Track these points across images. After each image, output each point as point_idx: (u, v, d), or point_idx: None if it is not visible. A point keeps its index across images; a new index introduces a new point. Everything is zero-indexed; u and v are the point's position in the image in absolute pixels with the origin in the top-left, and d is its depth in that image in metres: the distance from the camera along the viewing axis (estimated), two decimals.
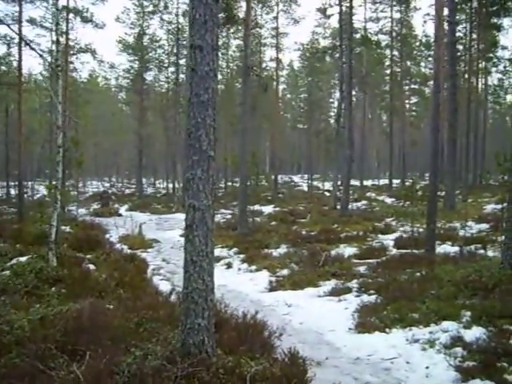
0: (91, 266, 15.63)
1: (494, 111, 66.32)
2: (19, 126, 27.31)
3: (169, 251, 20.29)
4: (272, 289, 12.94)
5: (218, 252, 18.83)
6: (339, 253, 16.65)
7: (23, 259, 15.34)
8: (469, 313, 8.77)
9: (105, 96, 59.87)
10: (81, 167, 20.86)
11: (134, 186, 50.12)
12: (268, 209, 31.73)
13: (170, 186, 40.77)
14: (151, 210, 33.81)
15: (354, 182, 44.09)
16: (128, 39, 46.06)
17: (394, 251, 17.06)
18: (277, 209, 31.32)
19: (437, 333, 8.18)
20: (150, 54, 46.37)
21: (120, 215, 31.58)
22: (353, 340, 8.53)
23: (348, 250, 17.38)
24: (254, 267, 15.49)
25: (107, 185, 61.56)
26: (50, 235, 14.47)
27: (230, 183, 46.05)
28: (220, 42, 46.03)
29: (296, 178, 58.35)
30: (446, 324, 8.44)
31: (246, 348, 7.23)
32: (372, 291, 11.32)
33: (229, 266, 16.54)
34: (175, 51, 43.74)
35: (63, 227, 21.46)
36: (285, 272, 14.37)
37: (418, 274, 12.14)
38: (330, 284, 12.65)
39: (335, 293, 11.73)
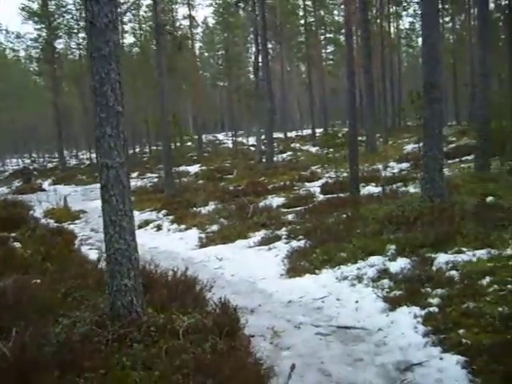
0: (16, 244, 15.17)
1: (407, 54, 67.51)
2: None
3: (96, 220, 19.78)
4: (203, 245, 12.89)
5: (146, 216, 18.67)
6: (267, 204, 16.73)
7: None
8: (393, 246, 8.97)
9: (15, 69, 57.33)
10: None
11: (56, 160, 48.60)
12: (194, 168, 31.51)
13: (94, 156, 39.74)
14: (76, 182, 32.96)
15: (278, 135, 44.29)
16: (32, 6, 44.00)
17: (321, 197, 17.29)
18: (203, 168, 31.13)
19: (364, 268, 8.33)
20: (58, 21, 44.56)
21: (44, 190, 30.56)
22: (284, 285, 8.59)
23: (276, 201, 17.48)
24: (183, 226, 15.37)
25: (28, 161, 59.52)
26: None
27: (154, 147, 45.26)
28: (129, 2, 44.74)
29: (221, 136, 58.01)
30: (372, 259, 8.60)
31: (177, 304, 7.15)
32: (301, 237, 11.42)
33: (158, 228, 16.36)
34: (84, 16, 41.98)
35: None
36: (214, 228, 14.33)
37: (344, 215, 12.33)
38: (260, 234, 12.70)
39: (265, 242, 11.79)
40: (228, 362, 5.08)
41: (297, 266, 9.34)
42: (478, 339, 5.33)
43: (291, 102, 65.67)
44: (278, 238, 11.85)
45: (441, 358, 5.20)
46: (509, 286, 6.42)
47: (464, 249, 8.20)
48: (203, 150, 41.39)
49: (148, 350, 5.59)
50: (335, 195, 16.45)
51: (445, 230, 8.98)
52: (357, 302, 7.17)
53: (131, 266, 6.22)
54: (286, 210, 16.07)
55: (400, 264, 8.00)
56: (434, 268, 7.63)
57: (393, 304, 6.72)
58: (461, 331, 5.57)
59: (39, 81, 54.22)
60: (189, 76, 43.12)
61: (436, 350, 5.39)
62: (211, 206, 18.02)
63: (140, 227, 16.95)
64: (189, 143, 47.79)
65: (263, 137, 30.67)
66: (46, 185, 33.94)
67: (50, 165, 48.84)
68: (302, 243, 10.83)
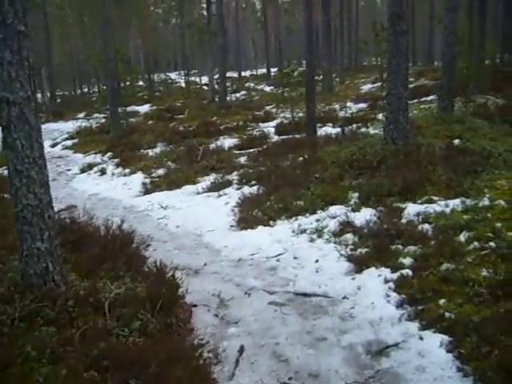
0: None
1: None
2: None
3: None
4: (147, 191, 11.66)
5: (90, 159, 17.31)
6: (219, 145, 15.52)
7: None
8: (356, 194, 7.97)
9: None
10: None
11: None
12: (144, 108, 29.76)
13: (39, 95, 37.44)
14: None
15: (232, 74, 42.59)
16: None
17: (276, 138, 16.19)
18: (154, 107, 29.46)
19: (324, 220, 7.29)
20: None
21: None
22: (234, 239, 7.50)
23: (228, 142, 16.29)
24: (128, 170, 14.05)
25: None
26: None
27: (105, 87, 42.87)
28: None
29: (173, 75, 55.69)
30: (333, 209, 7.57)
31: (108, 266, 6.03)
32: (254, 182, 10.34)
33: (102, 172, 15.00)
34: None
35: None
36: (161, 172, 13.09)
37: (301, 158, 11.27)
38: (209, 179, 11.54)
39: (214, 188, 10.64)
40: (160, 350, 3.99)
41: (249, 216, 8.25)
42: (463, 312, 4.39)
43: (246, 40, 63.57)
44: (229, 184, 10.71)
45: (420, 338, 4.25)
46: (491, 244, 5.47)
47: (435, 198, 7.25)
48: (154, 90, 39.35)
49: (62, 332, 4.45)
50: (291, 136, 15.37)
51: (412, 176, 7.99)
52: (317, 261, 6.14)
53: (44, 226, 5.01)
54: (238, 151, 14.93)
55: (365, 215, 6.99)
56: (403, 221, 6.64)
57: (359, 264, 5.73)
58: (441, 301, 4.63)
59: None
60: (139, 11, 40.71)
61: (413, 325, 4.43)
62: (159, 148, 16.70)
63: (83, 171, 15.66)
64: (140, 82, 45.74)
65: (216, 76, 29.09)
66: None
67: None
68: (254, 189, 9.74)
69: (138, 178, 12.97)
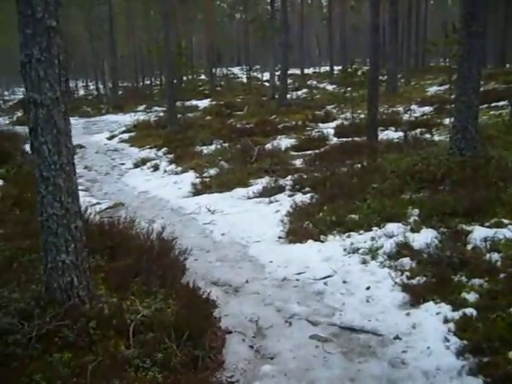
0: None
1: None
2: None
3: (93, 157, 18.29)
4: (197, 192, 11.23)
5: (145, 153, 17.10)
6: (275, 145, 14.99)
7: None
8: (417, 211, 7.27)
9: None
10: None
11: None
12: (204, 103, 29.56)
13: (101, 86, 37.80)
14: (80, 114, 31.07)
15: (295, 71, 42.00)
16: None
17: (335, 140, 15.56)
18: (213, 103, 29.19)
19: (380, 239, 6.65)
20: None
21: None
22: (281, 253, 6.95)
23: (285, 142, 15.75)
24: (180, 168, 13.70)
25: None
26: None
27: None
28: None
29: (236, 70, 55.60)
30: (390, 227, 6.90)
31: (141, 279, 5.59)
32: (307, 189, 9.75)
33: (155, 168, 14.72)
34: None
35: None
36: (213, 172, 12.66)
37: (359, 165, 10.61)
38: (262, 182, 11.02)
39: (266, 193, 10.10)
40: None
41: (298, 227, 7.67)
42: None
43: (310, 37, 62.74)
44: (282, 189, 10.15)
45: None
46: None
47: (506, 221, 6.47)
48: (216, 84, 39.25)
49: (78, 358, 4.01)
50: (350, 139, 14.67)
51: (481, 194, 7.23)
52: (368, 288, 5.52)
53: (71, 238, 4.60)
54: (295, 153, 14.39)
55: (425, 237, 6.30)
56: (468, 247, 5.93)
57: (415, 296, 5.08)
58: (511, 354, 3.93)
59: None
60: (204, 5, 40.53)
61: (477, 382, 3.75)
62: (214, 146, 16.28)
63: (136, 166, 15.44)
64: (202, 76, 45.73)
65: (278, 72, 28.58)
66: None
67: None
68: (307, 197, 9.16)
69: (189, 177, 12.58)
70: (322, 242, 7.05)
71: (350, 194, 8.53)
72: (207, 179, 11.97)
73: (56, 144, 4.41)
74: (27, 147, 18.80)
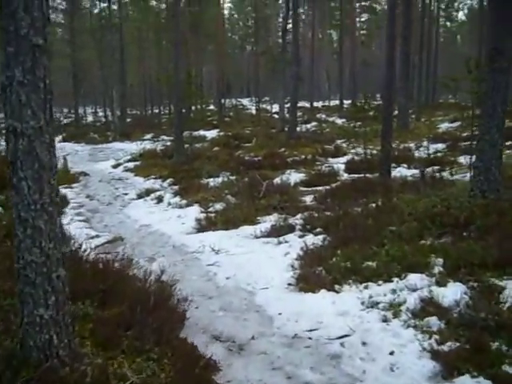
0: None
1: (445, 29, 63.76)
2: None
3: (96, 185, 17.70)
4: (201, 228, 10.57)
5: (150, 184, 16.51)
6: (284, 180, 14.36)
7: None
8: (440, 260, 6.58)
9: None
10: None
11: (74, 116, 46.22)
12: (212, 134, 29.07)
13: (109, 113, 37.38)
14: (87, 140, 30.64)
15: (304, 104, 41.56)
16: None
17: (346, 176, 14.97)
18: (221, 133, 28.71)
19: (402, 292, 5.94)
20: None
21: None
22: (291, 303, 6.25)
23: (294, 177, 15.17)
24: (184, 202, 13.06)
25: None
26: None
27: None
28: None
29: (245, 102, 55.32)
30: (412, 278, 6.19)
31: (134, 333, 4.91)
32: (319, 229, 9.07)
33: (159, 199, 14.10)
34: None
35: None
36: (219, 206, 12.00)
37: (374, 204, 9.96)
38: (270, 220, 10.37)
39: (275, 232, 9.43)
40: None
41: (310, 274, 6.98)
42: None
43: (320, 70, 62.61)
44: (292, 229, 9.47)
45: None
46: None
47: None
48: (224, 115, 38.86)
49: None
50: (362, 175, 14.07)
51: (511, 243, 6.55)
52: (392, 353, 4.79)
53: (51, 289, 3.94)
54: (305, 188, 13.82)
55: (453, 292, 5.59)
56: (504, 306, 5.23)
57: (448, 367, 4.36)
58: None
59: (58, 32, 51.54)
60: (215, 36, 40.37)
61: None
62: (221, 178, 15.67)
63: (140, 197, 14.82)
64: (211, 107, 45.42)
65: (288, 105, 28.14)
66: (55, 142, 31.65)
67: (65, 121, 46.58)
68: (319, 239, 8.48)
69: (194, 211, 11.93)
70: (337, 292, 6.35)
71: (366, 237, 7.86)
72: (212, 214, 11.32)
73: (37, 180, 3.77)
74: None
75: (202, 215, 11.32)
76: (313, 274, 6.92)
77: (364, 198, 10.97)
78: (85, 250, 7.86)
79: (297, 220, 9.95)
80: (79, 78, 37.95)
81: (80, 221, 12.51)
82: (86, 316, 5.21)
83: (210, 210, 11.94)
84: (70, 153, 26.47)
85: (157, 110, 45.51)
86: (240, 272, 7.62)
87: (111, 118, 34.53)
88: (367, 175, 13.89)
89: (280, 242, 8.84)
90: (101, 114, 47.07)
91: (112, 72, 32.21)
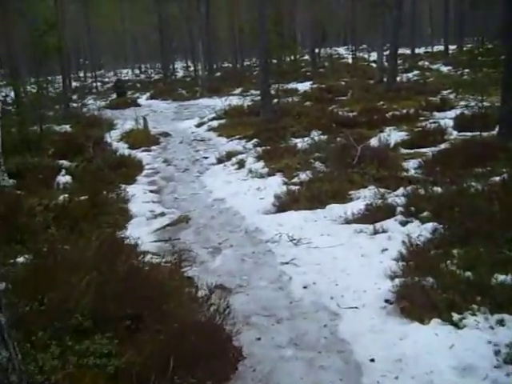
0: (66, 179, 12.00)
1: None
2: None
3: (176, 147, 16.29)
4: (280, 207, 8.72)
5: (233, 145, 14.88)
6: (382, 140, 12.21)
7: None
8: None
9: None
10: (61, 53, 16.33)
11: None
12: (305, 86, 26.92)
13: (199, 67, 35.73)
14: (174, 97, 29.31)
15: (405, 51, 38.25)
16: None
17: (455, 135, 12.73)
18: (314, 86, 26.50)
19: None
20: None
21: (138, 105, 27.33)
22: (389, 340, 4.34)
23: (394, 136, 13.02)
24: (266, 169, 11.26)
25: (137, 72, 56.54)
26: None
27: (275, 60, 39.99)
28: None
29: (341, 50, 52.26)
30: None
31: None
32: (426, 213, 7.00)
33: (240, 165, 12.40)
34: None
35: (64, 126, 17.78)
36: (304, 176, 10.11)
37: (497, 178, 7.75)
38: (365, 196, 8.39)
39: (370, 216, 7.44)
40: None
41: (416, 288, 4.98)
42: None
43: (422, 14, 58.06)
44: (391, 211, 7.41)
45: None
46: None
47: None
48: (318, 65, 36.35)
49: None
50: (475, 133, 11.75)
51: None
52: None
53: None
54: (406, 150, 11.76)
55: None
56: None
57: None
58: None
59: None
60: None
61: None
62: (312, 138, 13.69)
63: (219, 162, 13.24)
64: (305, 56, 42.97)
65: (386, 52, 25.44)
66: (143, 99, 30.71)
67: (156, 76, 45.68)
68: (428, 229, 6.45)
69: (276, 182, 10.13)
70: (456, 326, 4.34)
71: (491, 232, 5.76)
72: (296, 187, 9.44)
73: None
74: (107, 136, 17.18)
75: (284, 188, 9.47)
76: (419, 290, 4.94)
77: (483, 166, 8.76)
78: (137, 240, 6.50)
79: (398, 198, 7.88)
80: (165, 32, 36.47)
81: (151, 191, 11.15)
82: (102, 356, 3.69)
83: (295, 180, 10.09)
84: (156, 111, 25.33)
85: (248, 63, 43.60)
86: (322, 278, 5.77)
87: (198, 72, 32.93)
88: (482, 134, 11.55)
89: (376, 231, 6.86)
90: (192, 68, 45.70)
91: (198, 25, 30.47)
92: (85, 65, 50.61)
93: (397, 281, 5.27)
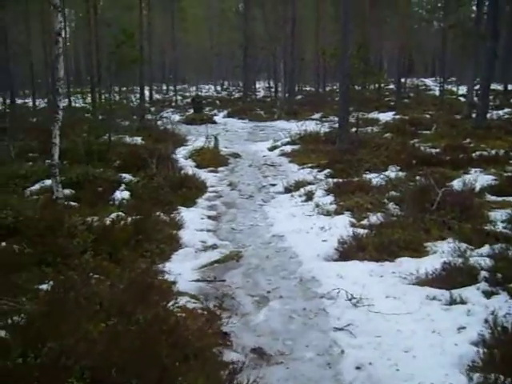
0: (124, 194, 11.43)
1: None
2: None
3: (244, 171, 15.47)
4: (344, 254, 7.65)
5: (304, 174, 13.99)
6: (467, 183, 10.89)
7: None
8: None
9: None
10: (137, 64, 15.87)
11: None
12: (387, 116, 25.65)
13: (280, 89, 35.00)
14: (251, 117, 28.64)
15: (496, 86, 36.15)
16: None
17: None
18: (397, 116, 25.18)
19: None
20: None
21: (214, 122, 26.82)
22: None
23: (481, 179, 11.60)
24: (334, 206, 10.21)
25: (219, 88, 56.52)
26: (51, 156, 10.36)
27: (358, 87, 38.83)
28: None
29: (428, 82, 50.35)
30: None
31: None
32: None
33: (308, 197, 11.43)
34: None
35: (136, 138, 17.40)
36: (375, 219, 9.00)
37: None
38: (443, 252, 7.21)
39: (446, 279, 6.25)
40: None
41: None
42: None
43: None
44: (473, 277, 6.15)
45: None
46: None
47: None
48: (403, 96, 34.87)
49: None
50: None
51: None
52: None
53: None
54: (493, 198, 10.38)
55: None
56: None
57: None
58: None
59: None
60: (397, 7, 36.17)
61: None
62: (388, 174, 12.54)
63: (287, 191, 12.35)
64: (390, 85, 41.63)
65: (477, 87, 23.84)
66: (220, 116, 30.22)
67: (237, 95, 45.32)
68: None
69: (342, 223, 9.05)
70: None
71: None
72: (364, 231, 8.35)
73: None
74: (176, 153, 16.60)
75: (351, 231, 8.39)
76: None
77: None
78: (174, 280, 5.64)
79: (482, 259, 6.65)
80: (248, 50, 35.95)
81: (209, 217, 10.32)
82: None
83: (364, 222, 8.99)
84: (230, 130, 24.70)
85: (331, 87, 42.56)
86: (381, 357, 4.67)
87: (280, 94, 32.17)
88: None
89: (453, 301, 5.67)
90: (273, 89, 45.18)
91: (282, 46, 29.78)
92: (169, 78, 50.94)
93: (475, 377, 4.12)
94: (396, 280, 6.49)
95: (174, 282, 6.57)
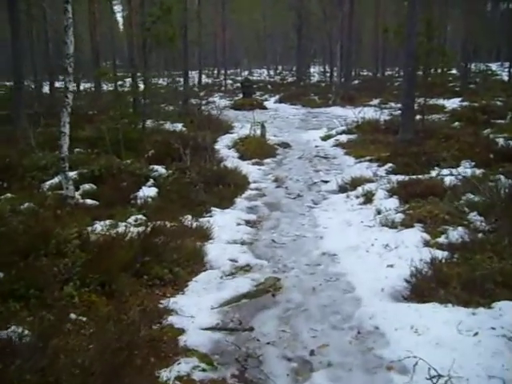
0: (150, 191, 9.67)
1: None
2: None
3: (293, 163, 13.43)
4: (418, 289, 5.44)
5: (361, 169, 11.95)
6: None
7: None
8: None
9: None
10: (173, 43, 13.94)
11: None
12: (453, 103, 22.99)
13: (335, 73, 32.53)
14: (304, 102, 26.41)
15: None
16: None
17: None
18: (464, 103, 22.50)
19: None
20: None
21: (264, 108, 24.78)
22: None
23: None
24: (401, 215, 8.02)
25: (271, 73, 54.10)
26: (60, 148, 8.66)
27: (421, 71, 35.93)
28: None
29: (494, 67, 46.87)
30: None
31: None
32: None
33: (367, 199, 9.34)
34: None
35: (176, 124, 15.57)
36: (456, 236, 6.81)
37: None
38: None
39: None
40: None
41: None
42: None
43: None
44: None
45: None
46: None
47: None
48: (469, 81, 31.91)
49: None
50: None
51: None
52: None
53: None
54: None
55: None
56: None
57: None
58: None
59: None
60: None
61: None
62: (463, 171, 10.23)
63: (342, 190, 10.30)
64: (453, 70, 38.48)
65: None
66: (271, 101, 28.12)
67: (290, 79, 42.97)
68: None
69: (413, 240, 6.89)
70: None
71: None
72: (443, 255, 6.16)
73: None
74: (219, 141, 14.70)
75: (425, 253, 6.23)
76: None
77: None
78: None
79: None
80: (302, 31, 33.51)
81: (246, 222, 8.35)
82: None
83: (441, 240, 6.81)
84: (281, 116, 22.63)
85: (390, 72, 39.74)
86: None
87: (335, 78, 29.71)
88: None
89: None
90: (328, 74, 42.65)
91: (338, 26, 27.32)
92: (220, 61, 49.07)
93: None
94: (499, 342, 4.31)
95: (181, 331, 4.64)
